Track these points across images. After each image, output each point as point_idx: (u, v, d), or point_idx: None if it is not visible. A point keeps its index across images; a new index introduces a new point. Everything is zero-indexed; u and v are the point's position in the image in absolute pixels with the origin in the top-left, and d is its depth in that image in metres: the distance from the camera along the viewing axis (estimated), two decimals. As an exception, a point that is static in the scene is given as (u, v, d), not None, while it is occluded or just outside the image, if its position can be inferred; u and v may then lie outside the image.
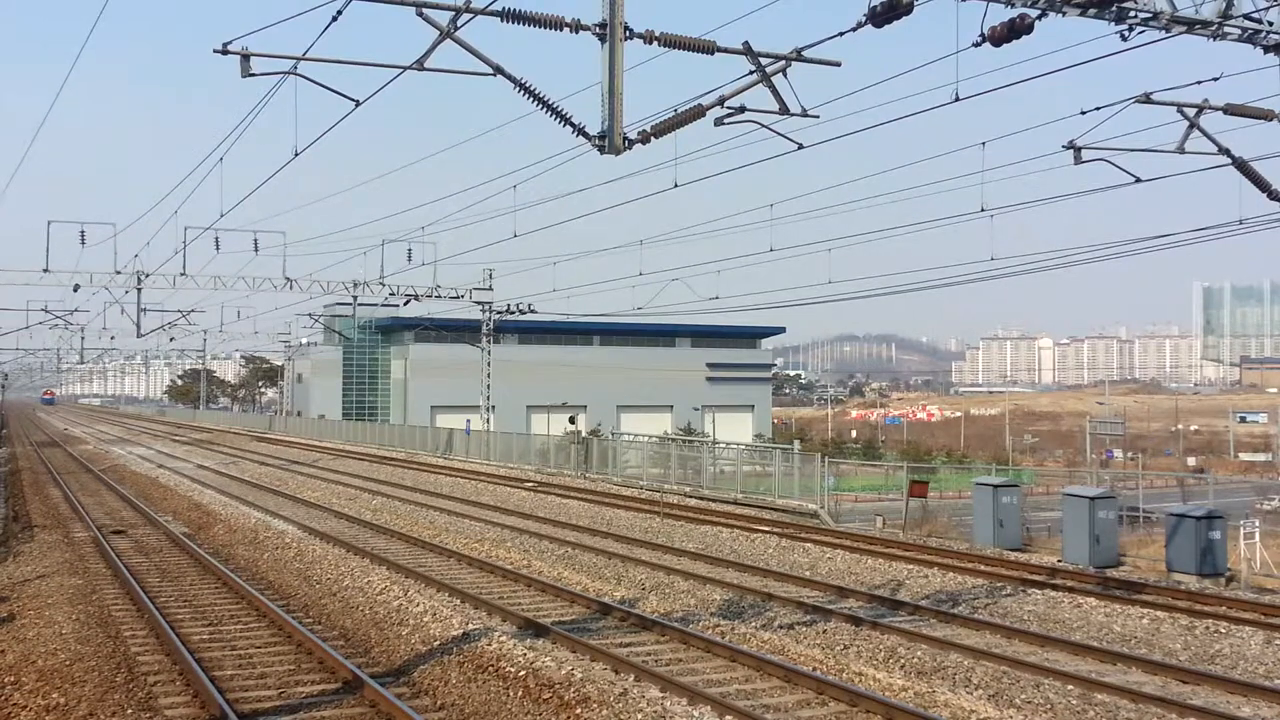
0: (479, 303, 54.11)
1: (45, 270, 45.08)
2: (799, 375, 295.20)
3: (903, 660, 13.46)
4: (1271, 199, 15.06)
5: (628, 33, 11.02)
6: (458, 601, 16.81)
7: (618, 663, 12.78)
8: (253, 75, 11.54)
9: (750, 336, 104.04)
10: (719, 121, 12.38)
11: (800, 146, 13.73)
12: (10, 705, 11.42)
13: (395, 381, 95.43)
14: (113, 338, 75.58)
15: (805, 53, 12.01)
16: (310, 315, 73.66)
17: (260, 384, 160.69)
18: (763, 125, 12.68)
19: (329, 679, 12.43)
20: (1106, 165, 15.75)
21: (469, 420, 58.14)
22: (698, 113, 11.99)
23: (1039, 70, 14.51)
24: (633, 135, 11.39)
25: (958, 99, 13.57)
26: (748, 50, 11.93)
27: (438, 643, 13.60)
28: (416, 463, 48.74)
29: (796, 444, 36.81)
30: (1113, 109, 14.78)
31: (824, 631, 15.03)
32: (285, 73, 12.08)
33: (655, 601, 17.14)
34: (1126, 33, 12.32)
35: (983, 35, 11.23)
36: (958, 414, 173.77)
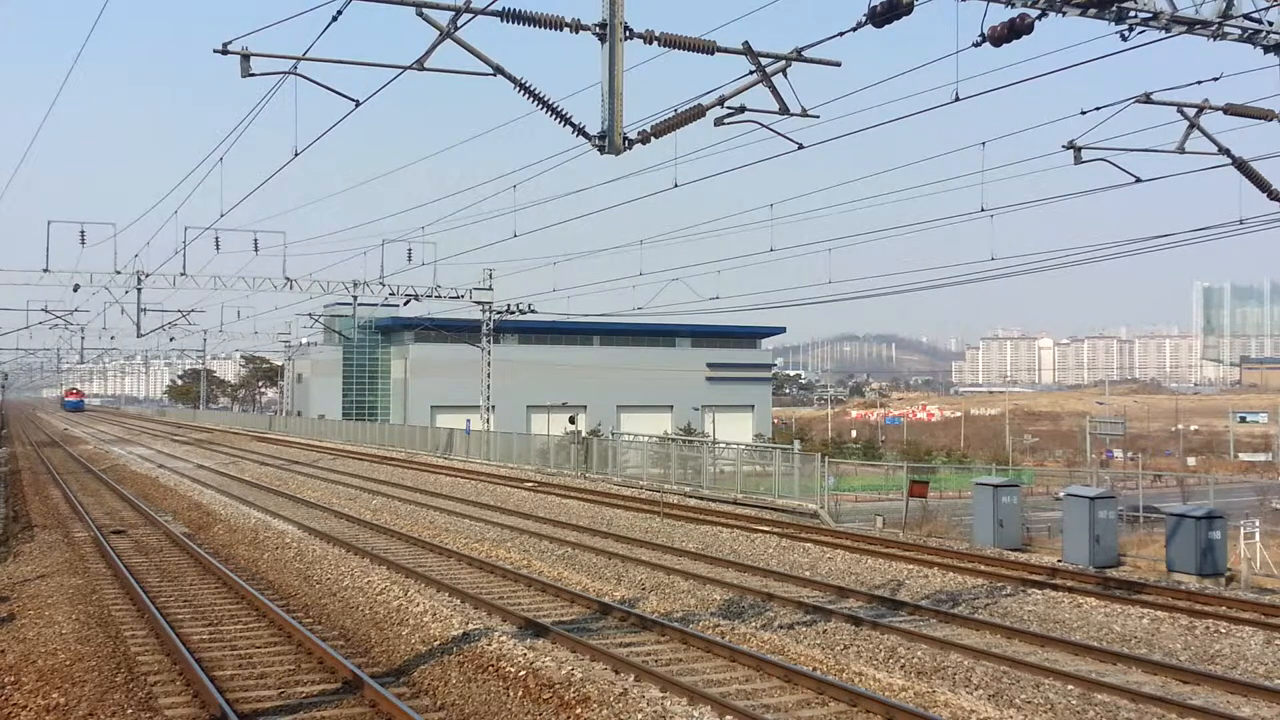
0: (479, 303, 54.11)
1: (45, 270, 45.14)
2: (799, 375, 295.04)
3: (903, 660, 13.46)
4: (1271, 199, 15.06)
5: (628, 33, 11.02)
6: (458, 601, 16.81)
7: (618, 663, 12.77)
8: (253, 75, 11.53)
9: (750, 336, 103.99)
10: (719, 121, 12.37)
11: (800, 146, 13.73)
12: (10, 705, 11.43)
13: (395, 381, 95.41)
14: (113, 338, 75.80)
15: (805, 53, 12.01)
16: (310, 315, 73.77)
17: (260, 384, 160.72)
18: (763, 125, 12.68)
19: (329, 679, 12.43)
20: (1106, 165, 15.76)
21: (469, 420, 58.14)
22: (698, 113, 11.99)
23: (1039, 70, 14.50)
24: (633, 135, 11.39)
25: (958, 99, 13.58)
26: (748, 50, 11.93)
27: (438, 643, 13.60)
28: (416, 463, 48.74)
29: (797, 444, 36.79)
30: (1113, 109, 14.79)
31: (824, 631, 15.03)
32: (285, 73, 12.08)
33: (655, 601, 17.14)
34: (1126, 33, 12.33)
35: (983, 35, 11.24)
36: (958, 414, 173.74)
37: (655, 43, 11.38)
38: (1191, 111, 14.90)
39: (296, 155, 15.53)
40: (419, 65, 11.55)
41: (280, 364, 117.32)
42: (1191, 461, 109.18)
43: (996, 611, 16.78)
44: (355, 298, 52.56)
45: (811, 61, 12.07)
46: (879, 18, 10.89)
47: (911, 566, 20.89)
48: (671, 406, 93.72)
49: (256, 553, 22.13)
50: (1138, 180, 16.20)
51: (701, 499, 32.95)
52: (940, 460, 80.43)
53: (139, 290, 47.36)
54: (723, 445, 42.50)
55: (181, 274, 46.66)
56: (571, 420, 55.56)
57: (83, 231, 42.18)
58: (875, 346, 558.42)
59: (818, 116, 12.51)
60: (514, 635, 14.04)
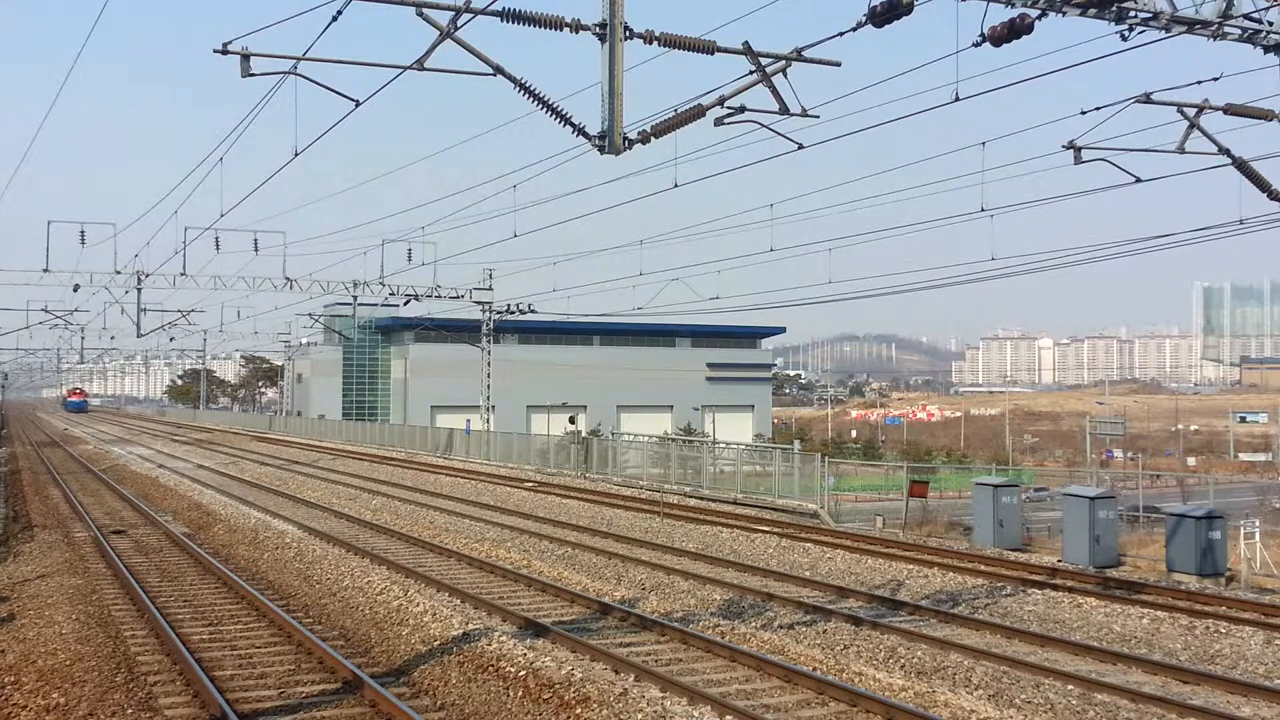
0: (479, 303, 54.12)
1: (45, 270, 45.16)
2: (799, 375, 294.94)
3: (903, 660, 13.46)
4: (1271, 199, 15.06)
5: (628, 33, 11.02)
6: (458, 601, 16.81)
7: (618, 663, 12.77)
8: (253, 75, 11.53)
9: (750, 336, 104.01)
10: (719, 121, 12.38)
11: (800, 146, 13.73)
12: (10, 705, 11.43)
13: (395, 381, 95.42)
14: (113, 338, 75.84)
15: (805, 53, 12.01)
16: (310, 315, 73.81)
17: (260, 384, 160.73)
18: (763, 125, 12.68)
19: (329, 679, 12.43)
20: (1106, 165, 15.76)
21: (469, 420, 58.14)
22: (698, 113, 11.99)
23: (1039, 70, 14.51)
24: (633, 135, 11.39)
25: (958, 99, 13.58)
26: (748, 50, 11.93)
27: (438, 643, 13.60)
28: (416, 463, 48.74)
29: (797, 444, 36.79)
30: (1113, 109, 14.79)
31: (824, 631, 15.03)
32: (285, 73, 12.08)
33: (655, 601, 17.14)
34: (1126, 33, 12.34)
35: (983, 35, 11.24)
36: (958, 414, 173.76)
37: (655, 43, 11.38)
38: (1191, 111, 14.90)
39: (296, 155, 15.54)
40: (419, 65, 11.55)
41: (280, 364, 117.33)
42: (1191, 461, 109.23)
43: (996, 611, 16.78)
44: (355, 298, 52.58)
45: (811, 61, 12.07)
46: (879, 18, 10.89)
47: (911, 566, 20.89)
48: (671, 406, 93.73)
49: (256, 553, 22.13)
50: (1138, 180, 16.20)
51: (701, 499, 32.95)
52: (940, 460, 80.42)
53: (139, 290, 47.42)
54: (723, 445, 42.50)
55: (181, 274, 46.69)
56: (571, 420, 55.57)
57: (83, 231, 42.25)
58: (875, 346, 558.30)
59: (818, 116, 12.52)
60: (514, 635, 14.04)
